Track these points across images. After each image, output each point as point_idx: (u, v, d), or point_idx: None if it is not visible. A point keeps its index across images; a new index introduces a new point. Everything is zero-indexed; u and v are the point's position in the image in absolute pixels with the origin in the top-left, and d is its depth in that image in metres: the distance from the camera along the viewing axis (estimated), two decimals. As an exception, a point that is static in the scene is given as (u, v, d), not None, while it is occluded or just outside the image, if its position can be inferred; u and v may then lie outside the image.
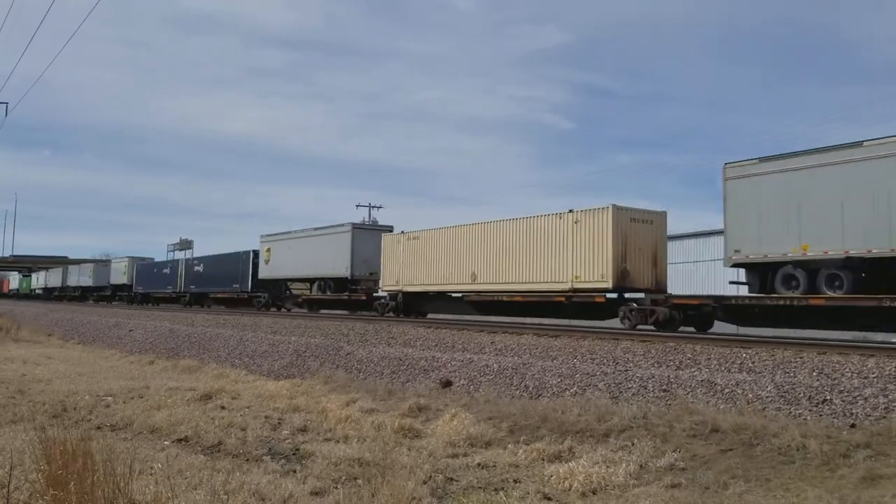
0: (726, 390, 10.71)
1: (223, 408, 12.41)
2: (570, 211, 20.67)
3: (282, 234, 36.57)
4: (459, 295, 25.29)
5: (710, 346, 13.23)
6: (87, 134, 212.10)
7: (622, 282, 19.46)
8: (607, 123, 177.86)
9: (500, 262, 22.76)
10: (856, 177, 15.30)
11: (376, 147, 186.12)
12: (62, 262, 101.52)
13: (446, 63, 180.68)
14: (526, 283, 21.91)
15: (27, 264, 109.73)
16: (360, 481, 7.67)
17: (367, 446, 9.41)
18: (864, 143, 15.31)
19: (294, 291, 37.72)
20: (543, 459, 8.81)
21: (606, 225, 19.50)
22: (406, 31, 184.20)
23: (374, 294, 29.80)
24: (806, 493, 6.77)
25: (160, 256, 63.33)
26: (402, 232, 27.97)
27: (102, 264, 67.61)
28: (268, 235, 37.70)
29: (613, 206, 19.51)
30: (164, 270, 51.54)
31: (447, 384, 14.13)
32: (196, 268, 47.15)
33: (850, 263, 15.32)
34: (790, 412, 9.54)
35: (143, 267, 56.57)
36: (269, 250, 36.96)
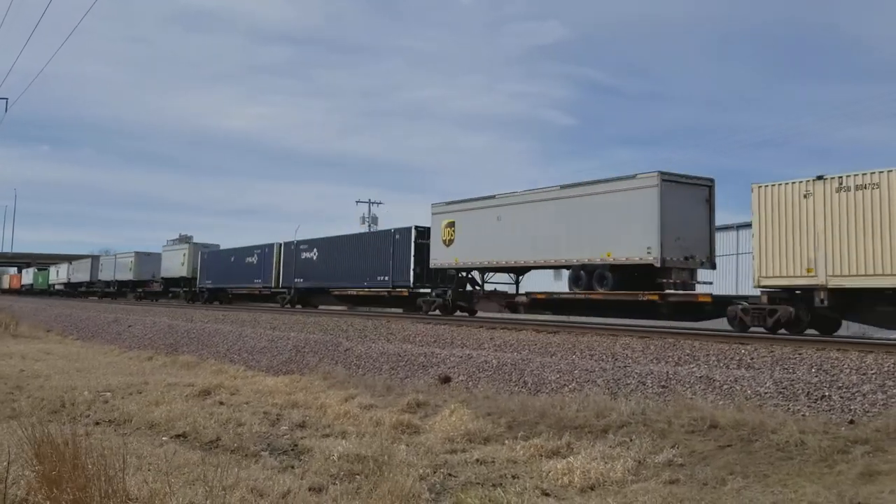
0: (725, 386, 10.70)
1: (222, 403, 12.40)
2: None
3: (481, 199, 23.86)
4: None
5: (709, 342, 13.23)
6: (87, 130, 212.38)
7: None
8: (609, 120, 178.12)
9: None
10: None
11: (376, 144, 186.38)
12: (64, 258, 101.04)
13: (447, 60, 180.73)
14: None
15: (27, 260, 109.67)
16: (358, 477, 7.67)
17: (365, 442, 9.40)
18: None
19: (485, 287, 25.25)
20: (542, 455, 8.80)
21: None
22: (407, 28, 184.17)
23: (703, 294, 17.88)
24: (804, 488, 6.77)
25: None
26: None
27: (147, 255, 56.22)
28: (449, 203, 25.42)
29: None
30: (249, 259, 39.20)
31: (446, 380, 14.13)
32: (306, 254, 34.87)
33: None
34: (789, 408, 9.54)
35: (213, 255, 45.67)
36: (451, 225, 24.83)
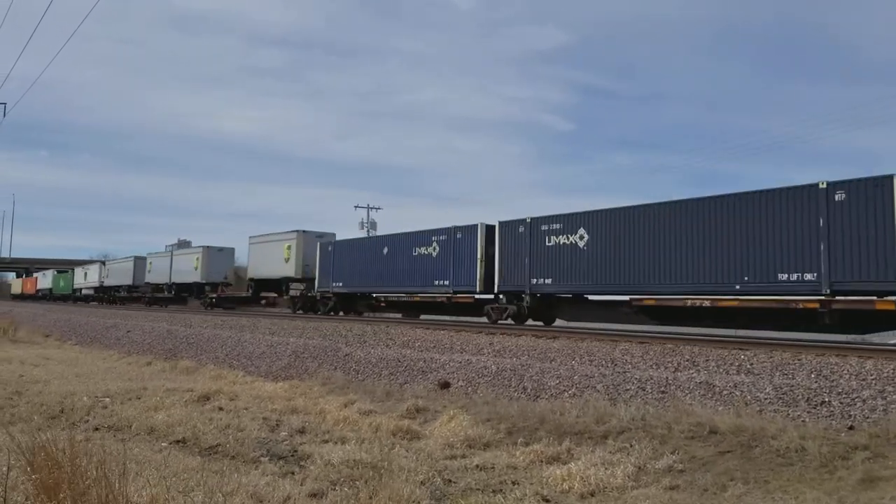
0: (725, 392, 10.70)
1: (221, 409, 12.38)
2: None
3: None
4: None
5: (709, 347, 13.23)
6: (85, 134, 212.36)
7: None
8: (606, 123, 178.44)
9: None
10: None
11: (373, 147, 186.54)
12: (66, 263, 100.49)
13: (444, 62, 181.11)
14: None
15: (24, 265, 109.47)
16: (358, 483, 7.65)
17: (365, 448, 9.39)
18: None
19: None
20: (542, 461, 8.80)
21: None
22: (404, 31, 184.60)
23: None
24: (804, 494, 6.77)
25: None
26: None
27: (219, 251, 44.63)
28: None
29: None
30: (421, 250, 26.44)
31: (445, 385, 14.12)
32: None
33: None
34: (788, 414, 9.54)
35: (343, 248, 31.53)
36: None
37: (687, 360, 12.55)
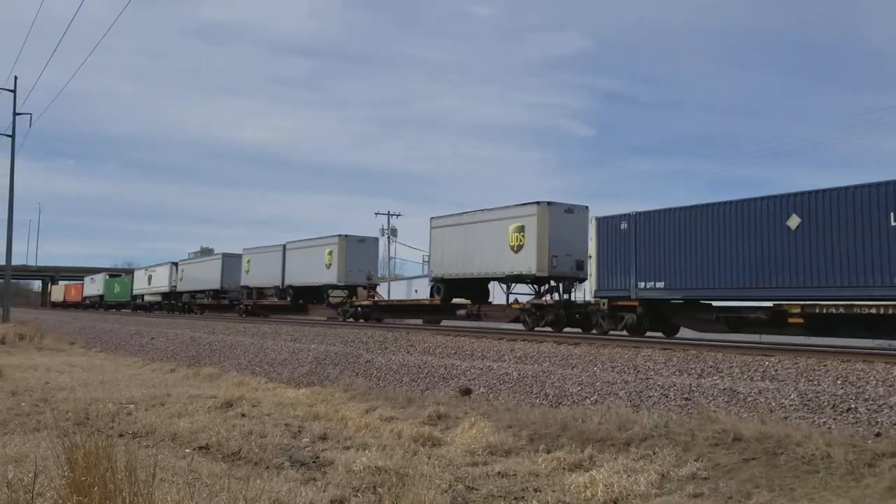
0: (749, 398, 10.60)
1: (244, 415, 12.44)
2: None
3: None
4: None
5: (732, 354, 13.12)
6: (109, 144, 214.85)
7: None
8: (627, 130, 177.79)
9: None
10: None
11: (394, 154, 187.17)
12: (90, 271, 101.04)
13: (465, 70, 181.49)
14: None
15: (50, 273, 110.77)
16: (380, 490, 7.66)
17: (386, 454, 9.39)
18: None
19: None
20: (564, 468, 8.75)
21: None
22: (425, 39, 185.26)
23: None
24: (830, 502, 6.69)
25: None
26: None
27: (360, 241, 34.80)
28: None
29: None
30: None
31: (467, 392, 14.10)
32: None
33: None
34: (814, 421, 9.44)
35: (666, 221, 19.15)
36: None
37: (710, 367, 12.45)
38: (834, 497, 6.81)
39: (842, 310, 15.21)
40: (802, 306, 15.89)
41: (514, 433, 10.52)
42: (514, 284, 25.04)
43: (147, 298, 61.04)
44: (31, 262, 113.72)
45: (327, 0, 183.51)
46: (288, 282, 38.04)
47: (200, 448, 9.97)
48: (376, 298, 33.95)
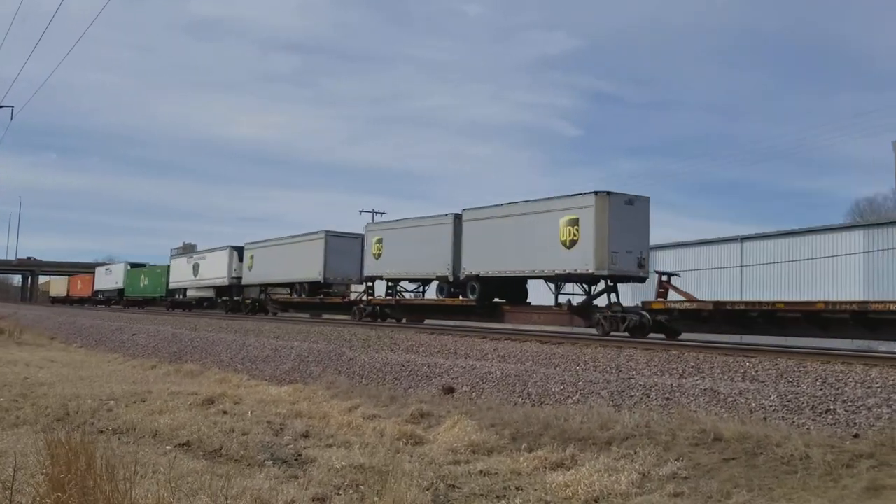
0: (729, 399, 10.68)
1: (225, 413, 12.40)
2: None
3: None
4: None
5: (714, 354, 13.20)
6: (94, 138, 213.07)
7: None
8: (616, 130, 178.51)
9: None
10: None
11: (383, 152, 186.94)
12: (74, 267, 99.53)
13: (455, 69, 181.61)
14: None
15: (31, 267, 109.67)
16: (362, 487, 7.66)
17: (369, 452, 9.39)
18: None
19: None
20: (546, 467, 8.78)
21: None
22: (415, 37, 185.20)
23: None
24: (809, 503, 6.75)
25: (163, 260, 56.26)
26: None
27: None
28: None
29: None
30: None
31: (450, 391, 14.12)
32: None
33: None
34: (793, 421, 9.52)
35: None
36: None
37: (692, 367, 12.53)
38: (812, 497, 6.88)
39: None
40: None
41: (496, 432, 10.55)
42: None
43: (192, 294, 47.75)
44: (11, 257, 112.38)
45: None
46: (471, 269, 25.05)
47: (181, 445, 9.92)
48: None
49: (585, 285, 21.61)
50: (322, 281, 32.86)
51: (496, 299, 25.29)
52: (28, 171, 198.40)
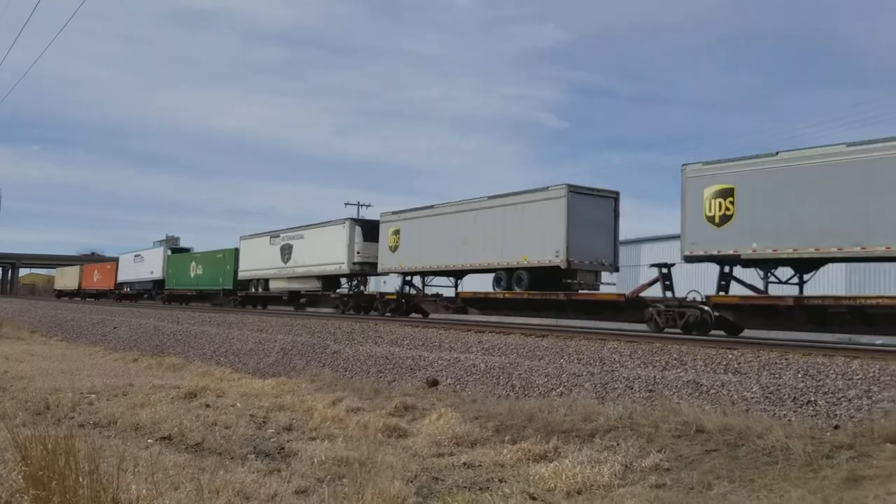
0: (712, 391, 10.74)
1: (208, 406, 12.33)
2: None
3: None
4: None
5: (697, 346, 13.27)
6: (79, 129, 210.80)
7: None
8: (602, 123, 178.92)
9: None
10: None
11: (371, 145, 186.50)
12: (56, 259, 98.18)
13: (443, 61, 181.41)
14: None
15: (10, 260, 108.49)
16: (345, 480, 7.64)
17: (352, 445, 9.38)
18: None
19: None
20: (529, 459, 8.80)
21: None
22: (403, 29, 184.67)
23: None
24: (789, 493, 6.80)
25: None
26: None
27: None
28: None
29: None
30: None
31: (434, 383, 14.12)
32: None
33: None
34: (775, 413, 9.58)
35: None
36: None
37: (675, 359, 12.59)
38: (793, 488, 6.93)
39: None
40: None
41: (480, 424, 10.56)
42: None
43: (279, 286, 34.78)
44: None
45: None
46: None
47: (163, 439, 9.87)
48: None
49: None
50: (566, 265, 20.83)
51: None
52: (9, 162, 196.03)
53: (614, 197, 21.62)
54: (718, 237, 17.19)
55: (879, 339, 16.14)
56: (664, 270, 18.75)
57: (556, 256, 20.63)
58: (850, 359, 11.18)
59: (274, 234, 35.69)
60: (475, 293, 24.23)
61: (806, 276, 17.37)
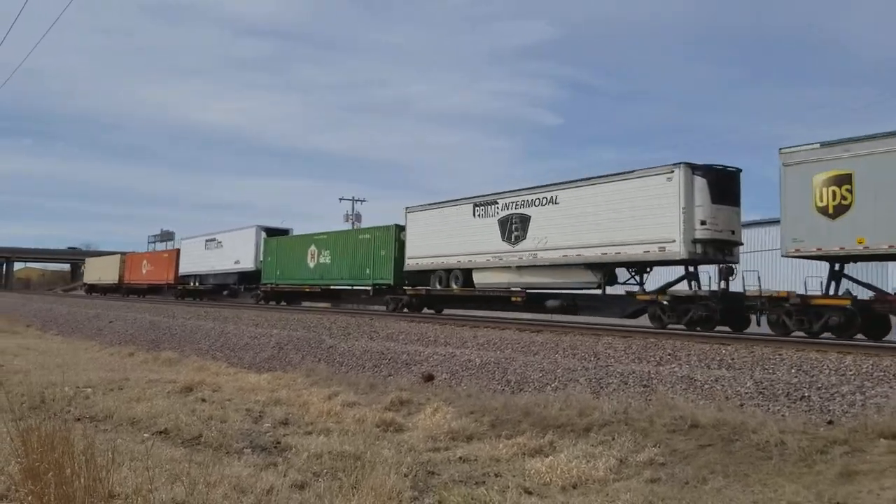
0: (706, 386, 10.79)
1: (204, 400, 12.35)
2: None
3: None
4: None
5: (690, 342, 13.32)
6: (64, 122, 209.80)
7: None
8: (592, 120, 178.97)
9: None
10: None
11: (360, 139, 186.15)
12: (42, 254, 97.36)
13: (431, 56, 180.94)
14: None
15: (6, 255, 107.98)
16: (341, 474, 7.66)
17: (348, 440, 9.40)
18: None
19: None
20: (524, 454, 8.84)
21: None
22: (390, 24, 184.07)
23: None
24: (784, 488, 6.85)
25: (139, 248, 52.38)
26: None
27: None
28: None
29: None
30: None
31: (429, 378, 14.14)
32: None
33: None
34: (769, 408, 9.63)
35: None
36: None
37: (669, 355, 12.63)
38: (787, 483, 6.98)
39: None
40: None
41: (475, 419, 10.59)
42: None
43: (494, 280, 23.13)
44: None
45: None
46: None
47: (159, 433, 9.88)
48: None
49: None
50: None
51: None
52: (2, 156, 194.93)
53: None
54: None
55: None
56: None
57: None
58: (844, 354, 11.23)
59: (485, 202, 23.34)
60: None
61: None
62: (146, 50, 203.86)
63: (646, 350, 13.15)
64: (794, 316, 15.09)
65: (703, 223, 17.06)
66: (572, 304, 20.95)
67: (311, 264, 31.86)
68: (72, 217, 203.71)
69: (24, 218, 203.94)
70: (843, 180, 14.55)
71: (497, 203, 22.86)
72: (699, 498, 6.93)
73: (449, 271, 24.61)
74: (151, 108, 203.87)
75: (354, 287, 30.87)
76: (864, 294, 15.36)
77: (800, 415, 9.24)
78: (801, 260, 17.44)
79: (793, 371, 10.76)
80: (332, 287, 31.78)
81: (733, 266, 17.61)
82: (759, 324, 16.24)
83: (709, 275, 18.27)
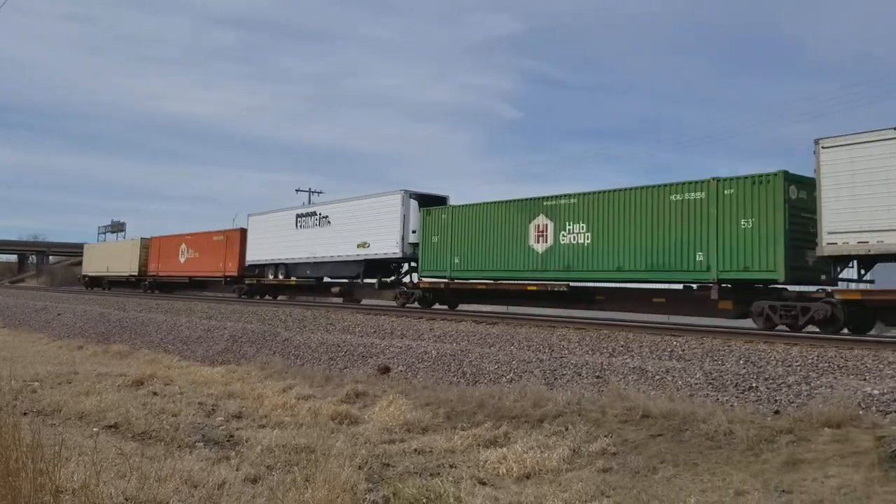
0: (657, 377, 10.96)
1: (155, 394, 12.16)
2: None
3: None
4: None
5: (642, 334, 13.52)
6: (23, 111, 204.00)
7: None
8: (557, 113, 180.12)
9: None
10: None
11: (328, 132, 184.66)
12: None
13: (401, 49, 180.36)
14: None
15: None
16: (295, 468, 7.61)
17: (303, 433, 9.34)
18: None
19: None
20: (479, 445, 8.89)
21: None
22: (362, 16, 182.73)
23: None
24: (731, 476, 7.00)
25: (90, 239, 51.52)
26: None
27: None
28: None
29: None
30: None
31: (385, 370, 14.12)
32: None
33: None
34: (718, 399, 9.82)
35: None
36: None
37: (622, 346, 12.81)
38: (735, 471, 7.13)
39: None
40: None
41: (431, 411, 10.62)
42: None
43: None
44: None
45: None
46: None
47: (109, 427, 9.70)
48: None
49: None
50: None
51: None
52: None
53: None
54: None
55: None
56: None
57: None
58: (790, 346, 11.52)
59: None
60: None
61: None
62: (115, 39, 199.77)
63: (599, 342, 13.31)
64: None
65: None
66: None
67: (540, 248, 20.36)
68: (19, 207, 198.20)
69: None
70: None
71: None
72: (650, 486, 7.04)
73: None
74: (120, 98, 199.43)
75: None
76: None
77: (748, 405, 9.44)
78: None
79: (741, 362, 11.00)
80: (588, 286, 19.80)
81: None
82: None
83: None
